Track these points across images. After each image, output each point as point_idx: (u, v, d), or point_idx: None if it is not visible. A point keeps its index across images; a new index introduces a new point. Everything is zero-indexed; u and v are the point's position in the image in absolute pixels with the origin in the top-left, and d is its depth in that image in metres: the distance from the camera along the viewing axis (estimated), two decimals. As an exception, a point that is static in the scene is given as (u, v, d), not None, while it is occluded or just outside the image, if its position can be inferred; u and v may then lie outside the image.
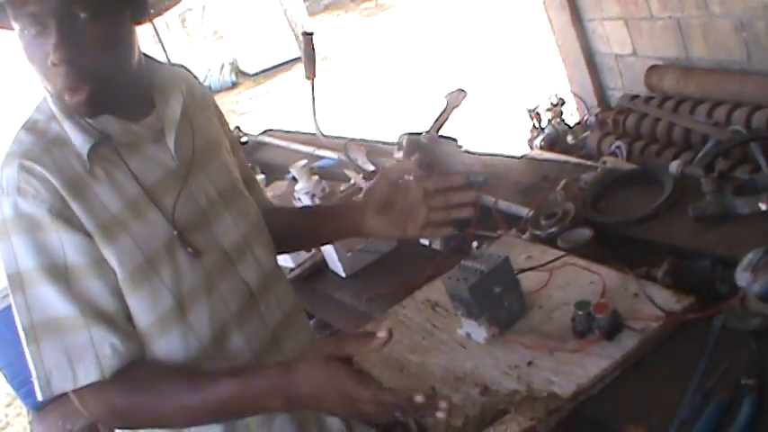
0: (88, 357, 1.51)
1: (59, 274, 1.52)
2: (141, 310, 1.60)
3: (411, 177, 1.93)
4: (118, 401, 1.56)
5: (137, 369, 1.58)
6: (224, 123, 1.97)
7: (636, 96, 4.16)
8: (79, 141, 1.59)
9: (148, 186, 1.64)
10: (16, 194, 1.51)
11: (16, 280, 1.52)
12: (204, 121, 1.85)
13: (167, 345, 1.64)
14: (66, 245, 1.52)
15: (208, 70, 14.41)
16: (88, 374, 1.51)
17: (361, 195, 2.01)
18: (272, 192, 3.53)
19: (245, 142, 4.46)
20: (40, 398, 1.53)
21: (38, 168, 1.53)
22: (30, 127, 1.61)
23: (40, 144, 1.57)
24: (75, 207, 1.53)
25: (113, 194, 1.59)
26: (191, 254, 1.66)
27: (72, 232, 1.53)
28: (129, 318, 1.60)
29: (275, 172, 3.78)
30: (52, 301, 1.51)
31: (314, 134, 3.75)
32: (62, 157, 1.56)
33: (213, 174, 1.78)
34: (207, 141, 1.82)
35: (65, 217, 1.52)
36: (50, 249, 1.52)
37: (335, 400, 1.46)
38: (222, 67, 14.57)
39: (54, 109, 1.62)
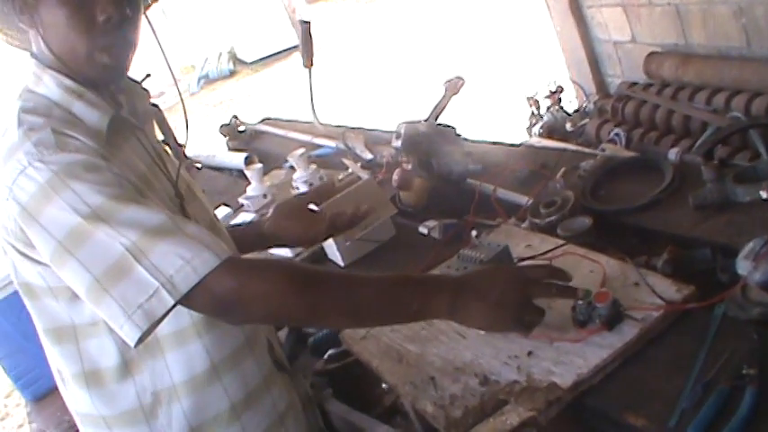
0: (196, 248, 1.48)
1: (132, 197, 1.51)
2: None
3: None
4: (248, 277, 1.53)
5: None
6: None
7: (634, 83, 4.16)
8: (95, 118, 1.62)
9: (150, 161, 1.73)
10: (58, 151, 1.50)
11: (93, 219, 1.46)
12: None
13: None
14: (125, 176, 1.54)
15: (205, 59, 14.38)
16: (205, 262, 1.47)
17: (271, 210, 2.18)
18: (269, 181, 3.52)
19: (243, 131, 4.44)
20: (171, 302, 1.46)
21: (70, 132, 1.54)
22: (29, 110, 1.59)
23: (52, 122, 1.56)
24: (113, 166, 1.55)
25: (128, 169, 1.62)
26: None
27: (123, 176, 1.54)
28: None
29: (273, 161, 3.77)
30: (140, 216, 1.48)
31: (312, 123, 3.74)
32: (80, 132, 1.57)
33: (173, 169, 1.83)
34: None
35: (112, 164, 1.54)
36: (115, 183, 1.51)
37: (508, 280, 1.65)
38: (220, 55, 14.54)
39: (58, 93, 1.62)
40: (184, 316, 1.66)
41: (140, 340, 1.47)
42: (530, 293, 1.66)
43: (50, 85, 1.63)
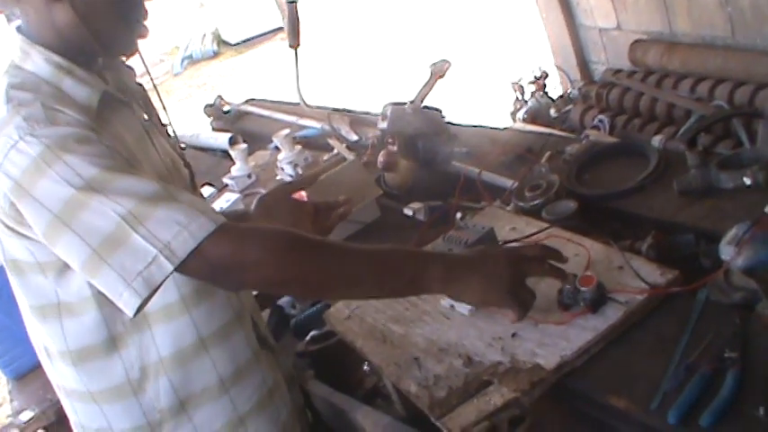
0: (192, 214, 1.48)
1: (125, 168, 1.51)
2: None
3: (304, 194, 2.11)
4: (245, 242, 1.53)
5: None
6: None
7: (619, 70, 4.16)
8: (84, 95, 1.61)
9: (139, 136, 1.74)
10: (49, 124, 1.50)
11: (87, 190, 1.46)
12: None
13: None
14: (117, 149, 1.55)
15: (189, 40, 14.30)
16: (202, 227, 1.48)
17: (254, 202, 2.15)
18: (254, 161, 3.52)
19: (228, 111, 4.42)
20: (170, 268, 1.46)
21: (59, 107, 1.54)
22: (17, 86, 1.58)
23: (41, 97, 1.56)
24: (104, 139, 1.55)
25: (118, 143, 1.62)
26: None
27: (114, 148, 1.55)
28: None
29: (258, 141, 3.76)
30: (135, 186, 1.48)
31: (297, 104, 3.73)
32: (69, 107, 1.56)
33: (159, 146, 1.83)
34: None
35: (103, 137, 1.54)
36: (107, 155, 1.51)
37: (502, 256, 1.67)
38: (204, 36, 14.45)
39: (47, 69, 1.61)
40: (172, 291, 1.67)
41: (139, 309, 1.47)
42: (523, 270, 1.68)
43: (39, 62, 1.62)
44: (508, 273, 1.65)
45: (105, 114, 1.65)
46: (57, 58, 1.62)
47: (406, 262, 1.65)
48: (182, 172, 1.90)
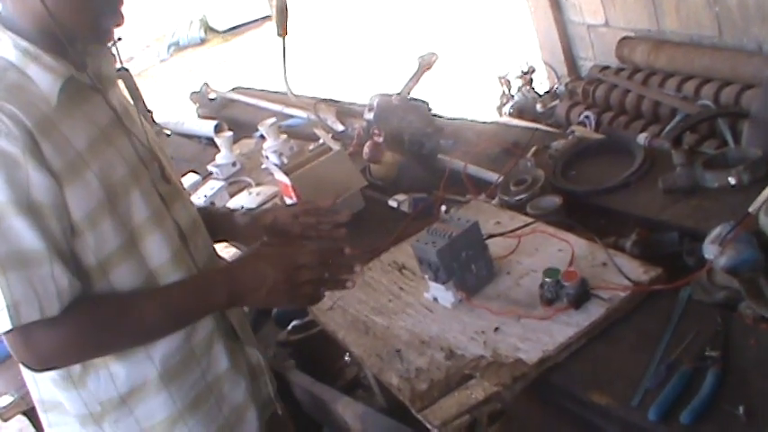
0: (50, 290, 1.53)
1: (30, 209, 1.52)
2: (97, 245, 1.63)
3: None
4: (73, 333, 1.60)
5: (85, 300, 1.62)
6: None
7: (606, 67, 4.17)
8: (47, 82, 1.61)
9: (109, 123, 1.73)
10: None
11: None
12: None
13: (117, 278, 1.67)
14: (34, 184, 1.53)
15: (176, 26, 14.23)
16: (51, 307, 1.52)
17: (249, 217, 2.15)
18: (239, 149, 3.51)
19: (214, 99, 4.40)
20: (9, 326, 1.51)
21: (9, 107, 1.53)
22: None
23: (3, 88, 1.57)
24: (45, 147, 1.54)
25: (80, 129, 1.63)
26: (152, 181, 1.76)
27: (41, 172, 1.53)
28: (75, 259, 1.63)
29: (243, 130, 3.74)
30: (22, 233, 1.51)
31: (283, 93, 3.72)
32: (27, 99, 1.57)
33: (138, 133, 1.82)
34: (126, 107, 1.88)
35: (36, 157, 1.53)
36: (22, 186, 1.52)
37: (276, 269, 1.71)
38: (191, 23, 14.38)
39: (15, 54, 1.61)
40: (103, 282, 1.67)
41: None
42: (298, 278, 1.72)
43: (8, 47, 1.63)
44: (284, 286, 1.71)
45: (71, 101, 1.65)
46: (24, 44, 1.62)
47: (190, 296, 1.73)
48: (159, 161, 1.89)
